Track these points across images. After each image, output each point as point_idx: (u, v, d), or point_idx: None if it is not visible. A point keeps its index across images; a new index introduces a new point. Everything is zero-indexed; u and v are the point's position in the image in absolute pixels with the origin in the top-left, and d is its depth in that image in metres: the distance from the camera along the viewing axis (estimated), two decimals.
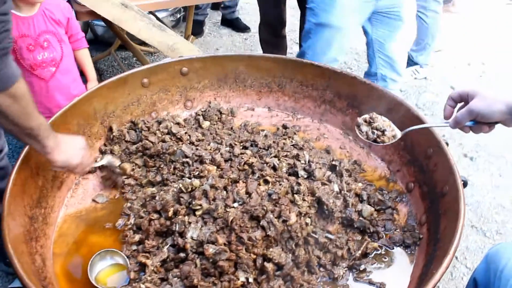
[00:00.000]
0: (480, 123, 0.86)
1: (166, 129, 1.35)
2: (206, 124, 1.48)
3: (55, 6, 1.57)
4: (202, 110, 1.56)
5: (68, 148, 1.04)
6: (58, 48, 1.60)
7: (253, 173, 1.15)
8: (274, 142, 1.34)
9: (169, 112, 1.52)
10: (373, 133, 1.06)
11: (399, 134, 1.06)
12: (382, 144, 1.05)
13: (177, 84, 1.54)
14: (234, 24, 3.77)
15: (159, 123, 1.39)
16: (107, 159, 1.22)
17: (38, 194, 1.08)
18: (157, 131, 1.34)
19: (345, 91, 1.45)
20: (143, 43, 2.61)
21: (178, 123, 1.41)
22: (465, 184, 0.94)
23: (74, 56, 1.69)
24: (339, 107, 1.49)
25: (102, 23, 2.84)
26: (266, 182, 1.10)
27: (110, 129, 1.36)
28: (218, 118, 1.54)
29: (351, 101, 1.44)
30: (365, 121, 1.09)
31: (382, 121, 1.08)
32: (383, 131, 1.06)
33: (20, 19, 1.51)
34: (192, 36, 2.55)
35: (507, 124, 0.84)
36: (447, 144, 1.05)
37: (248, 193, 1.05)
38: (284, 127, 1.48)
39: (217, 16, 3.98)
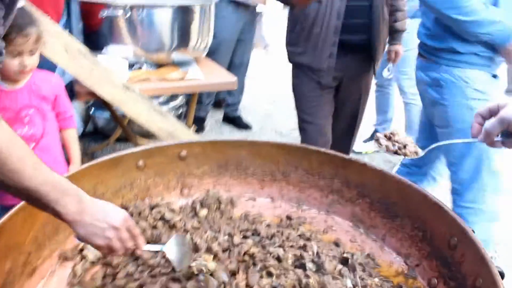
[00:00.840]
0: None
1: (159, 215, 1.23)
2: (203, 212, 1.38)
3: (45, 81, 1.54)
4: (200, 198, 1.46)
5: (95, 220, 0.79)
6: (40, 124, 1.54)
7: (254, 264, 1.03)
8: (278, 231, 1.22)
9: (164, 198, 1.42)
10: (393, 145, 1.01)
11: (421, 152, 1.02)
12: (404, 156, 0.99)
13: (174, 169, 1.46)
14: (236, 121, 3.81)
15: (152, 208, 1.28)
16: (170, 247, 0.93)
17: (3, 280, 0.94)
18: (149, 216, 1.23)
19: (354, 179, 1.37)
20: (144, 135, 2.59)
21: (172, 210, 1.31)
22: (502, 275, 0.81)
23: (60, 135, 1.62)
24: (348, 197, 1.39)
25: (104, 115, 2.85)
26: (270, 274, 0.97)
27: None
28: (217, 207, 1.43)
29: (361, 190, 1.35)
30: (385, 136, 1.05)
31: (404, 137, 1.03)
32: (404, 145, 1.01)
33: (4, 92, 1.47)
34: (193, 125, 2.54)
35: None
36: (473, 231, 0.94)
37: (249, 286, 0.91)
38: (289, 218, 1.38)
39: (219, 114, 4.03)
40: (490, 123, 0.81)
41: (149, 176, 1.39)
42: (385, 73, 2.69)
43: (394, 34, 2.47)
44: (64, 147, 1.68)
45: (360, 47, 2.20)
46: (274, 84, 5.05)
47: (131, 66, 2.19)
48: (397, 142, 1.04)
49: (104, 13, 2.04)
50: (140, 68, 2.23)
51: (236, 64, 3.66)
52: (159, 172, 1.41)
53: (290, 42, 2.23)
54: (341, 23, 2.08)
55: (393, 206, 1.23)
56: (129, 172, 1.34)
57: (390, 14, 2.30)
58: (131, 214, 1.24)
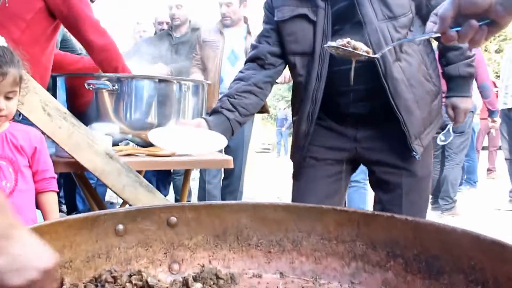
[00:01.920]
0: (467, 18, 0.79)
1: (141, 282, 0.99)
2: (197, 286, 1.13)
3: (22, 132, 1.39)
4: (193, 275, 1.21)
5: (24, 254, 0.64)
6: (11, 178, 1.36)
7: None
8: None
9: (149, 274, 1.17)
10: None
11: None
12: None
13: (162, 237, 1.23)
14: None
15: (131, 275, 1.04)
16: None
17: None
18: (128, 284, 0.98)
19: (381, 237, 1.15)
20: None
21: (158, 279, 1.06)
22: None
23: (36, 199, 1.42)
24: (376, 261, 1.16)
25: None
26: None
27: (61, 283, 1.00)
28: (214, 283, 1.18)
29: (392, 249, 1.12)
30: None
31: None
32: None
33: None
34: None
35: (499, 16, 0.75)
36: None
37: None
38: None
39: None
40: (442, 7, 0.78)
41: (130, 245, 1.16)
42: (439, 140, 2.08)
43: (449, 82, 1.85)
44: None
45: (377, 118, 1.76)
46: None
47: (115, 144, 2.04)
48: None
49: (90, 85, 1.94)
50: (127, 144, 2.09)
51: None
52: (143, 241, 1.18)
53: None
54: (318, 108, 1.74)
55: (435, 261, 1.01)
56: (106, 238, 1.12)
57: (440, 56, 1.84)
58: (105, 282, 0.99)
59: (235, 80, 1.89)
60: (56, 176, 1.54)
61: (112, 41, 2.22)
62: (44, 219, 1.49)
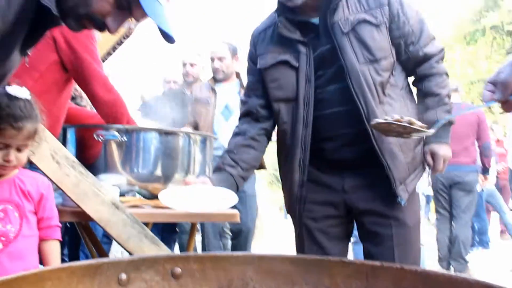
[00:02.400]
0: None
1: None
2: None
3: (30, 178, 1.41)
4: None
5: None
6: (16, 223, 1.36)
7: None
8: None
9: None
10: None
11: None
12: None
13: None
14: None
15: None
16: None
17: None
18: None
19: None
20: None
21: None
22: None
23: (39, 247, 1.40)
24: None
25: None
26: None
27: None
28: None
29: None
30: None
31: None
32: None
33: None
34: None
35: None
36: None
37: None
38: None
39: None
40: (501, 75, 0.75)
41: None
42: (420, 188, 1.93)
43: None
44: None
45: (361, 164, 1.75)
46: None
47: (122, 195, 2.05)
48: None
49: (100, 136, 1.98)
50: (133, 196, 2.09)
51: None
52: None
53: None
54: (308, 155, 1.75)
55: None
56: (108, 287, 1.10)
57: (418, 102, 1.85)
58: None
59: (233, 135, 1.93)
60: (60, 225, 1.54)
61: (119, 96, 2.28)
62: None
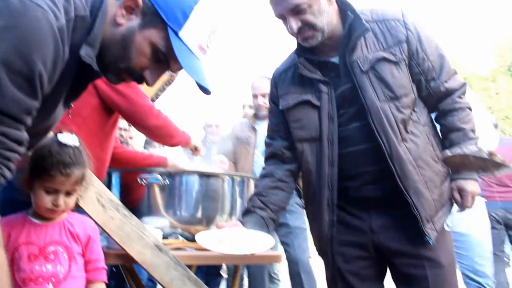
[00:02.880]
0: None
1: None
2: None
3: (78, 221, 1.46)
4: None
5: None
6: (65, 264, 1.40)
7: None
8: None
9: None
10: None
11: None
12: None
13: None
14: None
15: None
16: None
17: None
18: None
19: None
20: None
21: None
22: None
23: None
24: None
25: None
26: None
27: None
28: None
29: None
30: None
31: None
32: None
33: (33, 226, 1.38)
34: None
35: None
36: None
37: None
38: None
39: None
40: None
41: None
42: (446, 226, 1.82)
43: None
44: None
45: (388, 201, 1.70)
46: None
47: (165, 238, 2.06)
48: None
49: (143, 179, 2.03)
50: (176, 238, 2.10)
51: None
52: None
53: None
54: (336, 194, 1.72)
55: None
56: None
57: (442, 138, 1.81)
58: None
59: (260, 177, 1.92)
60: (106, 267, 1.56)
61: (166, 119, 2.36)
62: None
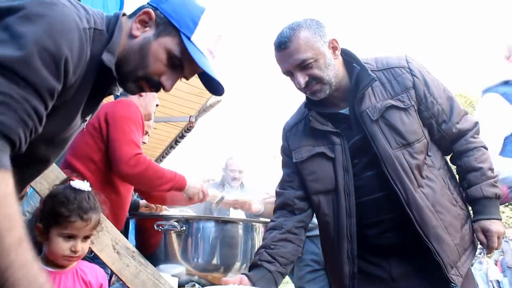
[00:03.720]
0: None
1: None
2: None
3: (90, 269, 1.47)
4: None
5: None
6: None
7: None
8: None
9: None
10: None
11: None
12: None
13: None
14: None
15: None
16: None
17: None
18: None
19: None
20: None
21: None
22: None
23: None
24: None
25: None
26: None
27: None
28: None
29: None
30: None
31: None
32: None
33: (47, 273, 1.36)
34: None
35: None
36: None
37: None
38: None
39: None
40: None
41: None
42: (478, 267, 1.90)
43: (474, 205, 1.75)
44: None
45: (408, 249, 1.69)
46: None
47: (182, 285, 2.04)
48: None
49: (160, 226, 2.03)
50: (193, 286, 2.07)
51: None
52: None
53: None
54: (355, 246, 1.70)
55: None
56: None
57: (460, 179, 1.82)
58: None
59: (268, 230, 1.88)
60: None
61: (148, 166, 2.14)
62: None
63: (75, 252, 1.45)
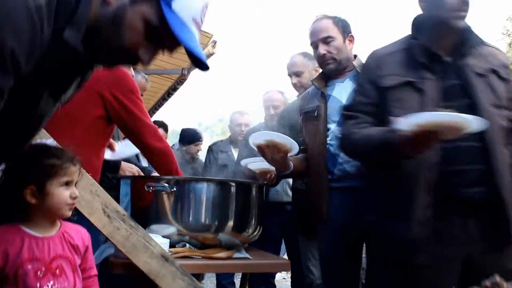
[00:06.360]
0: None
1: None
2: None
3: (75, 231, 1.51)
4: None
5: None
6: (71, 278, 1.44)
7: None
8: None
9: None
10: None
11: None
12: None
13: None
14: None
15: None
16: None
17: None
18: None
19: None
20: None
21: None
22: None
23: None
24: None
25: None
26: None
27: None
28: None
29: None
30: None
31: None
32: None
33: (34, 239, 1.42)
34: None
35: None
36: None
37: None
38: None
39: None
40: None
41: None
42: None
43: None
44: None
45: (481, 205, 1.74)
46: None
47: (173, 246, 2.11)
48: None
49: (150, 187, 2.07)
50: (183, 246, 2.14)
51: None
52: None
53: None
54: (435, 177, 1.71)
55: None
56: None
57: None
58: None
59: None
60: (97, 274, 1.59)
61: (168, 145, 2.44)
62: None
63: (75, 198, 1.48)
